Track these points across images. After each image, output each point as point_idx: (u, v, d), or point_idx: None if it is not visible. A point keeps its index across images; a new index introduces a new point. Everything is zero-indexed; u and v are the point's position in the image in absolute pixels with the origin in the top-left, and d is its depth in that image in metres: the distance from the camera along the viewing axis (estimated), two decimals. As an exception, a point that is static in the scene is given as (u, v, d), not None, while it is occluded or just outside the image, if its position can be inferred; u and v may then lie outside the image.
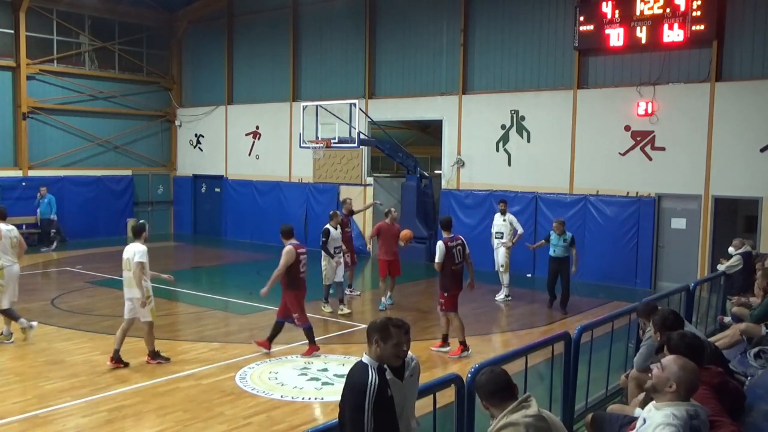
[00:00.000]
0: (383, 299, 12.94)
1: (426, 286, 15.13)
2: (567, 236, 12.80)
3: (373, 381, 3.90)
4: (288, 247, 9.46)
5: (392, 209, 13.54)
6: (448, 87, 18.42)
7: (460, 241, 10.03)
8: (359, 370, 4.00)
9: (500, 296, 13.88)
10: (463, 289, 10.06)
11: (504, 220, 14.03)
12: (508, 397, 3.93)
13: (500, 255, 13.88)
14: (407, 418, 4.14)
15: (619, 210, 15.67)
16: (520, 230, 14.11)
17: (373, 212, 19.62)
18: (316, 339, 10.25)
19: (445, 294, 9.84)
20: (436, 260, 9.90)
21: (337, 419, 4.07)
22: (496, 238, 14.07)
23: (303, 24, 21.49)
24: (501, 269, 13.89)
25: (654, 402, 4.06)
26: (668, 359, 4.10)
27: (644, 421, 4.05)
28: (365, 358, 4.06)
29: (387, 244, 12.97)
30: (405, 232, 13.07)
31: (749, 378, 6.10)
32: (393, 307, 12.80)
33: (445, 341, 9.98)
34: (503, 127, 17.42)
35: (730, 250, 11.68)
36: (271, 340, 9.72)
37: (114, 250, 20.45)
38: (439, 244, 9.90)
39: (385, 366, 4.00)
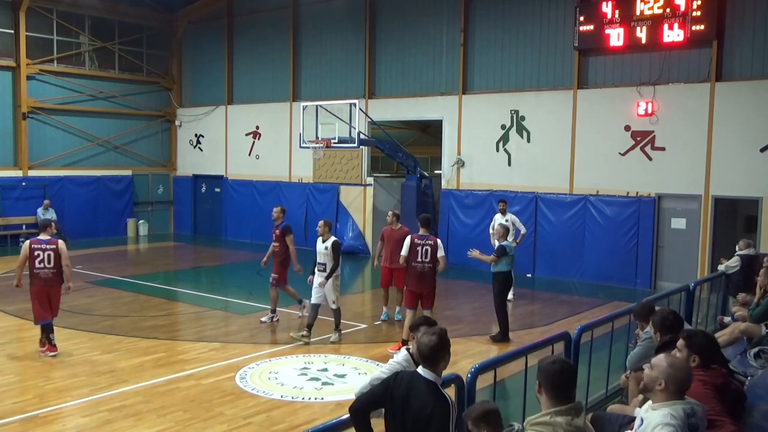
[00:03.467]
0: (385, 309, 12.11)
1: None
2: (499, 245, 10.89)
3: (453, 404, 3.91)
4: (25, 242, 9.72)
5: (395, 212, 12.28)
6: (448, 87, 18.41)
7: (431, 242, 9.83)
8: (431, 392, 3.90)
9: (509, 296, 13.83)
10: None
11: (506, 221, 13.99)
12: (566, 397, 3.78)
13: None
14: None
15: (619, 210, 15.66)
16: (522, 230, 14.11)
17: (373, 213, 19.64)
18: (317, 339, 10.25)
19: (404, 287, 10.02)
20: (401, 253, 9.93)
21: None
22: (498, 238, 14.02)
23: (303, 24, 21.49)
24: None
25: (650, 402, 4.06)
26: (658, 358, 4.09)
27: (641, 421, 4.05)
28: (427, 374, 3.97)
29: (388, 250, 11.59)
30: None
31: (749, 378, 6.09)
32: (388, 322, 11.79)
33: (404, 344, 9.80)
34: (503, 127, 17.41)
35: (737, 248, 11.53)
36: (51, 342, 9.45)
37: (114, 251, 20.56)
38: (407, 238, 9.96)
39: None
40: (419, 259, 9.73)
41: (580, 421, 3.72)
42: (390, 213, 12.09)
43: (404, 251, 9.83)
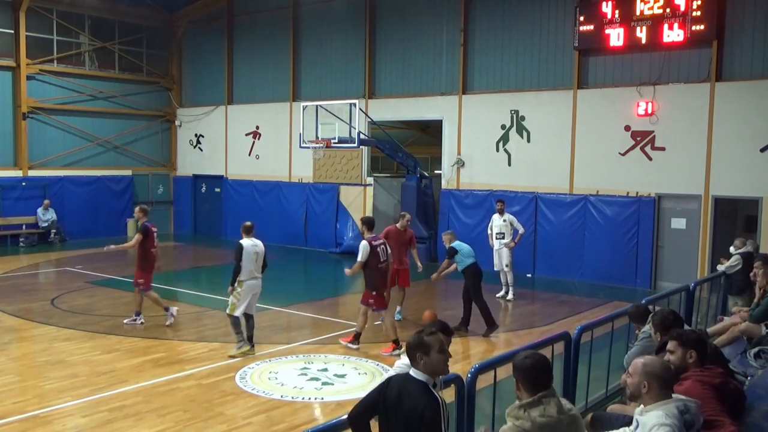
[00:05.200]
0: (398, 307, 11.81)
1: (426, 287, 15.07)
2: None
3: (443, 403, 3.79)
4: None
5: (407, 214, 12.02)
6: (448, 87, 18.41)
7: (382, 241, 10.14)
8: (422, 392, 3.79)
9: (509, 296, 13.89)
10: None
11: (504, 221, 14.03)
12: (543, 387, 3.85)
13: (504, 255, 13.87)
14: None
15: (619, 210, 15.66)
16: (521, 230, 14.12)
17: (373, 213, 19.62)
18: (317, 339, 10.26)
19: (374, 293, 9.87)
20: (359, 259, 9.77)
21: None
22: (497, 238, 14.05)
23: (303, 24, 21.49)
24: (506, 269, 13.90)
25: (642, 406, 4.06)
26: (633, 364, 4.12)
27: (637, 423, 4.05)
28: (418, 374, 3.86)
29: (393, 251, 11.04)
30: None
31: (749, 378, 6.09)
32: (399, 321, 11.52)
33: (397, 344, 9.71)
34: (503, 127, 17.41)
35: (731, 249, 11.62)
36: None
37: (114, 251, 20.51)
38: (363, 244, 9.87)
39: (435, 381, 3.90)
40: (382, 260, 9.94)
41: (552, 410, 3.77)
42: (407, 215, 11.93)
43: (365, 257, 9.74)
